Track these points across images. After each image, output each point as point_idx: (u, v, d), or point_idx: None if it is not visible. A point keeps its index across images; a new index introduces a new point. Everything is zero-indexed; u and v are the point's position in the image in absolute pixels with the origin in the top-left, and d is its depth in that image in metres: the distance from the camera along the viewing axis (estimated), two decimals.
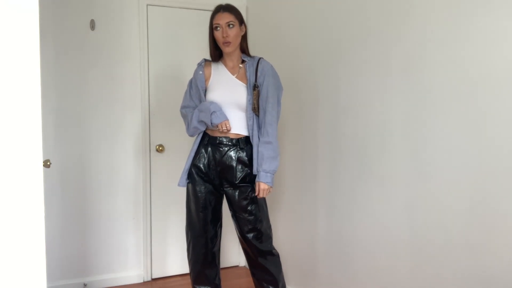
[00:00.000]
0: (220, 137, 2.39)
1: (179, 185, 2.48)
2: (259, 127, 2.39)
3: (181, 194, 3.42)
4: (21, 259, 1.16)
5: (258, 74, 2.37)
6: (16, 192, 1.14)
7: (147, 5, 3.25)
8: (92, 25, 3.10)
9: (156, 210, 3.36)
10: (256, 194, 2.35)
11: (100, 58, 3.15)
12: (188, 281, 3.35)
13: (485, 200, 1.72)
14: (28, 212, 1.16)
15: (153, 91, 3.30)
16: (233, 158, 2.38)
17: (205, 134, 2.44)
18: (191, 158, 2.45)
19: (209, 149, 2.41)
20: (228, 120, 2.35)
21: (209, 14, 2.44)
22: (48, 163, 2.56)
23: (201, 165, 2.42)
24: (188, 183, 2.47)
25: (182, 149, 3.41)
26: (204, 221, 2.43)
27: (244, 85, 2.39)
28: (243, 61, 2.45)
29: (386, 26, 2.18)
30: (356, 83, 2.40)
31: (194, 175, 2.43)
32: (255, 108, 2.36)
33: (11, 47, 1.13)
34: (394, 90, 2.14)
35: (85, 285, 3.16)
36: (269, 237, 2.45)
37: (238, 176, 2.38)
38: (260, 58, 2.44)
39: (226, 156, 2.38)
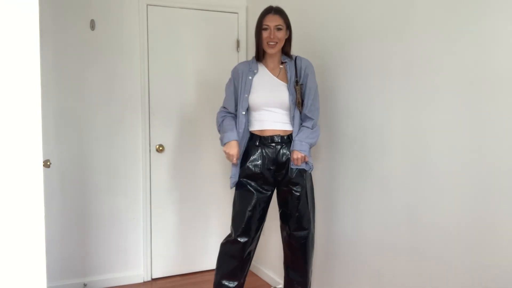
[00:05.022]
0: (271, 136, 2.42)
1: (231, 187, 2.48)
2: (301, 122, 2.43)
3: (181, 194, 3.43)
4: (21, 259, 1.16)
5: (298, 69, 2.44)
6: (16, 192, 1.14)
7: (147, 5, 3.25)
8: (92, 25, 3.10)
9: (156, 210, 3.36)
10: (292, 162, 2.38)
11: (100, 58, 3.15)
12: (188, 281, 3.36)
13: (485, 200, 1.72)
14: (28, 212, 1.16)
15: (153, 91, 3.30)
16: (286, 154, 2.41)
17: (252, 135, 2.46)
18: (243, 160, 2.45)
19: (262, 149, 2.42)
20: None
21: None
22: (48, 163, 2.57)
23: (255, 165, 2.42)
24: (241, 182, 2.46)
25: (182, 149, 3.41)
26: (251, 219, 2.42)
27: (285, 84, 2.44)
28: (283, 62, 2.50)
29: (387, 26, 2.18)
30: (356, 83, 2.40)
31: (248, 175, 2.43)
32: (299, 103, 2.40)
33: (11, 47, 1.13)
34: (394, 90, 2.14)
35: (85, 285, 3.16)
36: (313, 244, 2.53)
37: (290, 172, 2.41)
38: (296, 56, 2.49)
39: (279, 154, 2.41)
